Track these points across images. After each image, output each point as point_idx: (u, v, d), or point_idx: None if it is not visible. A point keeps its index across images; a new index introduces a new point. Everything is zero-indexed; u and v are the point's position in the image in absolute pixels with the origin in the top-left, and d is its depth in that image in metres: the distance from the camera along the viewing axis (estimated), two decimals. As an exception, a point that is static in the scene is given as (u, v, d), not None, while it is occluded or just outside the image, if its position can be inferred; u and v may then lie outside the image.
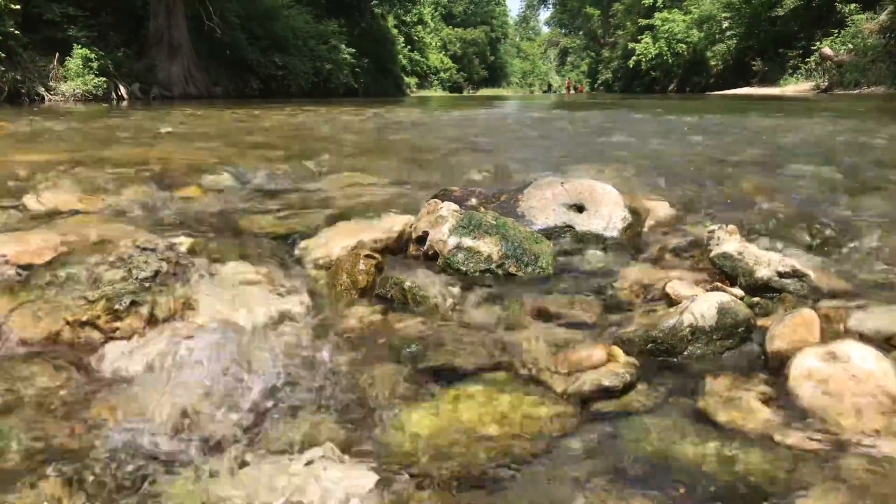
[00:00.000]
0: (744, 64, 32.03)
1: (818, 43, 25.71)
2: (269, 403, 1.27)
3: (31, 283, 1.64)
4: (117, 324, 1.47)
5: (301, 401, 1.28)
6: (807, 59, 26.66)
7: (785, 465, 1.06)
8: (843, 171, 3.42)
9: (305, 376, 1.36)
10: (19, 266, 1.76)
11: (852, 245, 2.04)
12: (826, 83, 24.02)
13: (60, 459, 1.07)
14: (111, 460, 1.07)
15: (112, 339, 1.45)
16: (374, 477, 1.04)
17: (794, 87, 26.08)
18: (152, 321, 1.51)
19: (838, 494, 0.99)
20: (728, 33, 34.86)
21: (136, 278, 1.60)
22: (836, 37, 24.95)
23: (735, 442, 1.13)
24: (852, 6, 24.81)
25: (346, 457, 1.09)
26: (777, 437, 1.14)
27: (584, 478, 1.04)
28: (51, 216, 2.31)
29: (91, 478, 1.04)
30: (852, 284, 1.78)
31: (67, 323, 1.47)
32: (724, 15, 34.71)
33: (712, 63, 36.87)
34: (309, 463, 1.08)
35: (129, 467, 1.06)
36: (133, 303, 1.51)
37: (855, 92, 21.01)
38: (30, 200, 2.50)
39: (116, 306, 1.49)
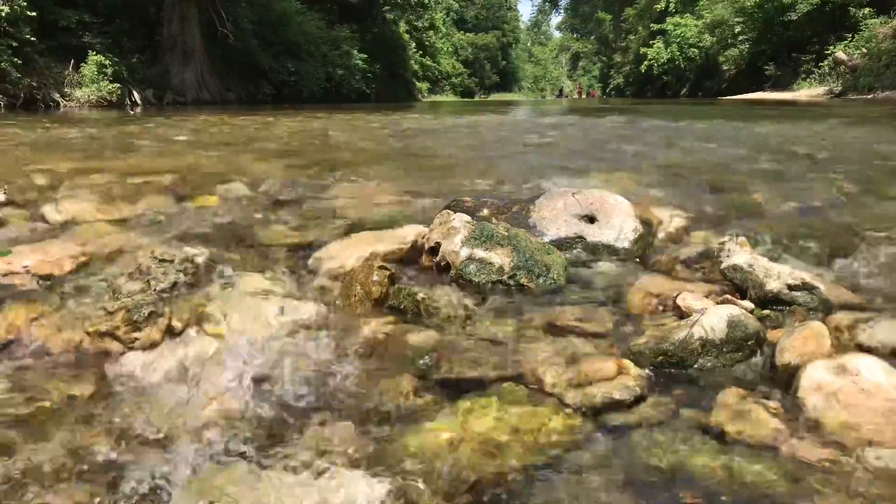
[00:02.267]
0: (757, 68, 31.84)
1: (832, 47, 25.57)
2: (284, 413, 1.29)
3: (51, 294, 1.68)
4: (136, 335, 1.50)
5: (315, 411, 1.30)
6: (820, 64, 26.53)
7: (794, 478, 1.07)
8: (855, 179, 3.41)
9: (320, 387, 1.38)
10: (40, 276, 1.80)
11: (863, 257, 2.03)
12: (840, 88, 23.84)
13: (81, 468, 1.10)
14: (129, 469, 1.10)
15: (131, 349, 1.49)
16: (388, 487, 1.06)
17: (807, 91, 25.91)
18: (170, 332, 1.54)
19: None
20: (741, 38, 34.64)
21: (155, 290, 1.63)
22: (850, 41, 24.81)
23: (745, 454, 1.14)
24: (866, 10, 24.69)
25: (360, 467, 1.11)
26: (786, 450, 1.15)
27: (596, 489, 1.06)
28: (70, 226, 2.34)
29: (112, 486, 1.06)
30: (863, 297, 1.78)
31: (88, 334, 1.50)
32: (736, 20, 34.51)
33: (725, 68, 36.69)
34: (323, 472, 1.10)
35: (147, 475, 1.08)
36: (152, 314, 1.54)
37: (869, 96, 20.83)
38: (49, 210, 2.54)
39: (135, 317, 1.52)
